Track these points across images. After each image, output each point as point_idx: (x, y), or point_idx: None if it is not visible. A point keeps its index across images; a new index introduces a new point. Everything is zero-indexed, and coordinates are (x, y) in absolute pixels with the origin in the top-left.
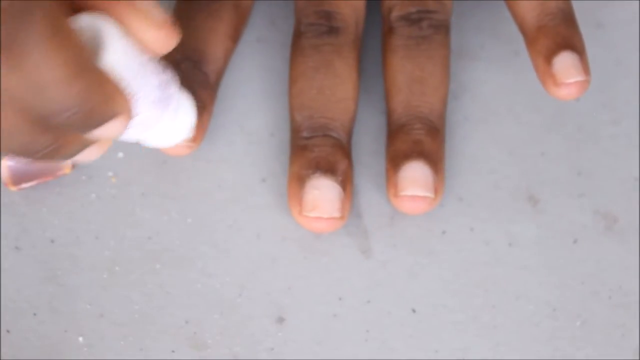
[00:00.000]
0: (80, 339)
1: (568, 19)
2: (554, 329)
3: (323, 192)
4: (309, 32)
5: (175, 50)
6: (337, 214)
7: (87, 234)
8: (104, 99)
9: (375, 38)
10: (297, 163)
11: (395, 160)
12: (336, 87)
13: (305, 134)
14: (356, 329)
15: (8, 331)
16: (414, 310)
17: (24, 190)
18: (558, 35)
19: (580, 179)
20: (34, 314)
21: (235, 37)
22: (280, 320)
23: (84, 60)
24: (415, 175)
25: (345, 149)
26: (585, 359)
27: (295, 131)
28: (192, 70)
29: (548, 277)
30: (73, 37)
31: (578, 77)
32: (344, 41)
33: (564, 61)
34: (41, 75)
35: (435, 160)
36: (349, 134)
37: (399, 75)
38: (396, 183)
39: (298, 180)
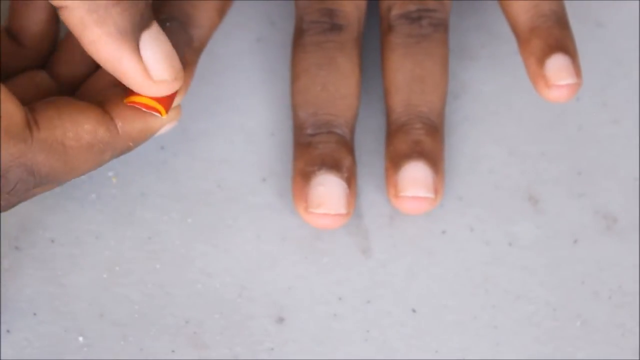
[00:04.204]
0: (80, 339)
1: (561, 21)
2: (554, 329)
3: (329, 188)
4: (312, 29)
5: (161, 10)
6: (343, 210)
7: (87, 234)
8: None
9: (374, 37)
10: (302, 160)
11: (395, 160)
12: (340, 83)
13: (309, 130)
14: (356, 329)
15: (8, 331)
16: (414, 310)
17: None
18: (551, 37)
19: (580, 179)
20: (34, 314)
21: (221, 13)
22: (280, 320)
23: None
24: (415, 176)
25: (349, 145)
26: (585, 359)
27: (298, 128)
28: (178, 29)
29: (548, 277)
30: None
31: (569, 79)
32: (347, 38)
33: (556, 63)
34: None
35: (435, 160)
36: (352, 131)
37: (398, 74)
38: (396, 183)
39: (303, 177)
